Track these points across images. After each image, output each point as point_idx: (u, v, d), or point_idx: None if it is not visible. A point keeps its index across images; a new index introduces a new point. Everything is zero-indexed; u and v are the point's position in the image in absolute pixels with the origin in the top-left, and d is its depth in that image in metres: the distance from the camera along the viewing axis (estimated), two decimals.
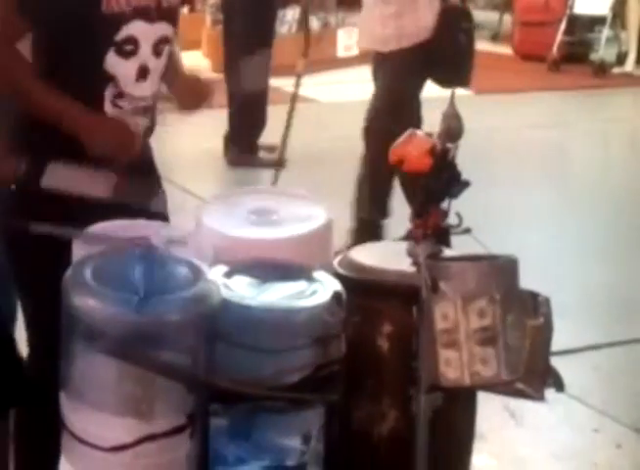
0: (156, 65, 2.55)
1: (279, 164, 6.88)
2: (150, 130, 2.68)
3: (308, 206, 2.51)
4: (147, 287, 2.06)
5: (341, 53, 10.47)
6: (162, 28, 2.54)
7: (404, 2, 5.13)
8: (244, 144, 7.15)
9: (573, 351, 4.20)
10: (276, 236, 2.37)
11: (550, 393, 2.22)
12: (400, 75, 5.20)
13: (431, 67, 5.19)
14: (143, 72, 2.52)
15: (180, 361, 2.03)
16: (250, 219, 2.44)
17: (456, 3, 5.29)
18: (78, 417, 2.10)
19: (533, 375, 2.15)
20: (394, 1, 5.15)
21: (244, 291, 2.17)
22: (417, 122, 5.25)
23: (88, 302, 2.02)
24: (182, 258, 2.19)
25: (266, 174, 6.44)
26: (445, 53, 5.15)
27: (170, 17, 2.56)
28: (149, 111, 2.62)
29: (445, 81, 5.19)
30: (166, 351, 2.02)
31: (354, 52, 10.63)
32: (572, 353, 4.17)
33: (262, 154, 7.20)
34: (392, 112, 5.18)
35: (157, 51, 2.53)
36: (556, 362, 2.21)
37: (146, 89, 2.56)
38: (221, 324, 2.08)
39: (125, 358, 1.99)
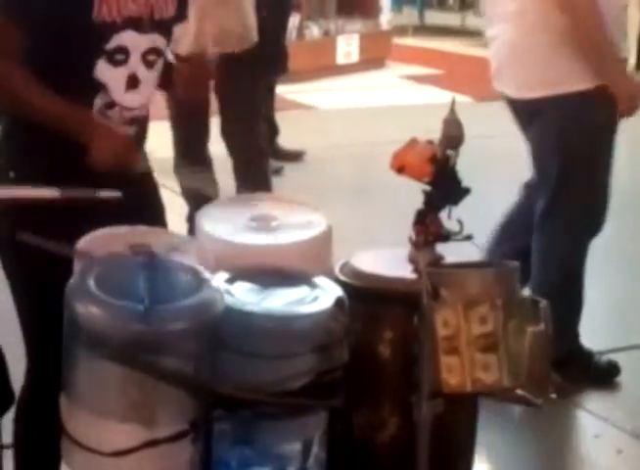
0: (146, 75, 2.54)
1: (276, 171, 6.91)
2: (139, 140, 2.67)
3: (308, 212, 2.52)
4: (151, 295, 2.06)
5: (340, 60, 10.49)
6: (153, 39, 2.53)
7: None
8: None
9: None
10: (276, 242, 2.38)
11: (551, 399, 2.22)
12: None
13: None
14: (133, 82, 2.51)
15: (183, 368, 2.04)
16: (250, 226, 2.44)
17: None
18: (80, 422, 2.10)
19: (534, 381, 2.15)
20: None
21: (246, 297, 2.18)
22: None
23: (92, 310, 2.02)
24: (185, 264, 2.20)
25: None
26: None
27: (162, 29, 2.55)
28: (137, 121, 2.61)
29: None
30: (170, 357, 2.02)
31: (354, 59, 10.65)
32: None
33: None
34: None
35: (146, 61, 2.53)
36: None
37: (136, 100, 2.56)
38: (224, 331, 2.08)
39: (129, 365, 1.99)
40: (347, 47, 10.57)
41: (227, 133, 5.51)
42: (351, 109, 9.01)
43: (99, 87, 2.49)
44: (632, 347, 4.46)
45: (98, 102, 2.50)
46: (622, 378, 4.24)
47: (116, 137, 2.48)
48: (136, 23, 2.46)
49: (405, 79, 10.68)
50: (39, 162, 2.50)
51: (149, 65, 2.54)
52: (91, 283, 2.07)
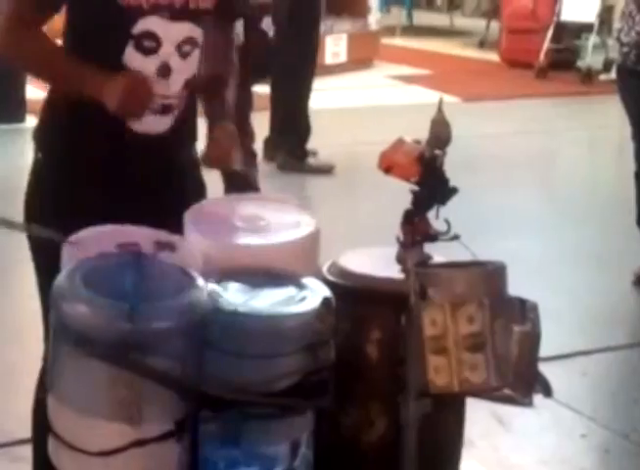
0: (180, 66, 2.51)
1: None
2: (175, 131, 2.61)
3: (296, 213, 2.52)
4: (137, 294, 2.06)
5: (328, 60, 10.48)
6: (187, 29, 2.51)
7: None
8: (292, 149, 7.11)
9: (562, 356, 4.22)
10: (264, 243, 2.38)
11: (538, 398, 2.23)
12: None
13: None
14: (164, 71, 2.49)
15: (170, 367, 2.03)
16: (238, 226, 2.44)
17: None
18: (67, 422, 2.10)
19: (521, 381, 2.15)
20: None
21: (233, 297, 2.18)
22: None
23: (79, 309, 2.02)
24: (172, 264, 2.19)
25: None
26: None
27: (198, 18, 2.52)
28: (171, 111, 2.57)
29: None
30: (157, 357, 2.02)
31: (342, 59, 10.65)
32: (561, 359, 4.19)
33: (311, 159, 7.16)
34: None
35: (182, 52, 2.51)
36: (544, 368, 2.22)
37: (167, 87, 2.52)
38: (211, 331, 2.08)
39: (116, 364, 1.99)
40: (336, 47, 10.57)
41: None
42: (339, 109, 9.01)
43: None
44: (619, 346, 4.48)
45: None
46: (609, 377, 4.26)
47: (133, 79, 2.45)
48: (165, 10, 2.45)
49: (393, 79, 10.69)
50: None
51: (184, 56, 2.52)
52: (78, 282, 2.06)
